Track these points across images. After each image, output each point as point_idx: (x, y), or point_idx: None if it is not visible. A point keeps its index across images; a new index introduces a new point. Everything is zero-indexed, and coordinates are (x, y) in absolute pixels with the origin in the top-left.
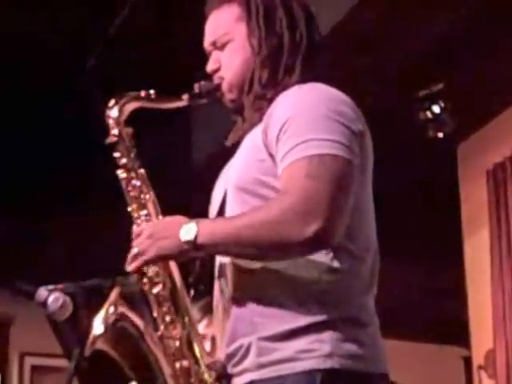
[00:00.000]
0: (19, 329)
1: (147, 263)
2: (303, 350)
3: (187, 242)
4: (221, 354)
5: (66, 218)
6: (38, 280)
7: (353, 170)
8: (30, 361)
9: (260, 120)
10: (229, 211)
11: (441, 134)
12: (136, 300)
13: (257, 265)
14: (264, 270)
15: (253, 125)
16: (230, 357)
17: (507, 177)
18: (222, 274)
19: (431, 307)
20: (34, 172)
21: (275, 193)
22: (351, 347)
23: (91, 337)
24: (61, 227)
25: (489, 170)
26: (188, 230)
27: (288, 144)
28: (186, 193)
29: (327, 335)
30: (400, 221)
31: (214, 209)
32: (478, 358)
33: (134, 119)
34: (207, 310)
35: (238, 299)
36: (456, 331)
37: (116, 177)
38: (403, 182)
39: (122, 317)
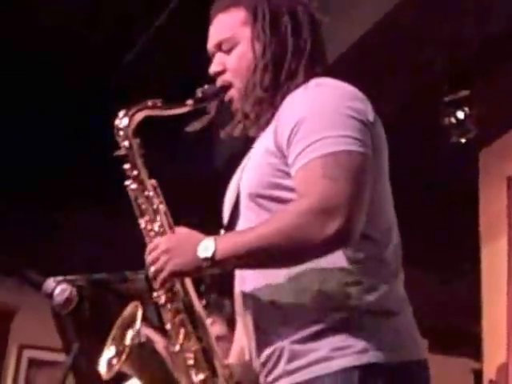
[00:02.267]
0: (22, 320)
1: (166, 281)
2: (337, 348)
3: (205, 259)
4: (253, 365)
5: (79, 207)
6: (48, 270)
7: (368, 163)
8: (27, 353)
9: (268, 123)
10: (244, 218)
11: (463, 140)
12: (145, 302)
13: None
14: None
15: (260, 128)
16: (263, 364)
17: None
18: (243, 280)
19: (442, 316)
20: (49, 160)
21: (290, 193)
22: (385, 338)
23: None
24: (73, 217)
25: (510, 176)
26: (206, 247)
27: (300, 144)
28: (209, 192)
29: (360, 330)
30: (417, 227)
31: (226, 211)
32: (489, 372)
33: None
34: (210, 310)
35: (264, 304)
36: (466, 342)
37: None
38: (422, 188)
39: (143, 339)
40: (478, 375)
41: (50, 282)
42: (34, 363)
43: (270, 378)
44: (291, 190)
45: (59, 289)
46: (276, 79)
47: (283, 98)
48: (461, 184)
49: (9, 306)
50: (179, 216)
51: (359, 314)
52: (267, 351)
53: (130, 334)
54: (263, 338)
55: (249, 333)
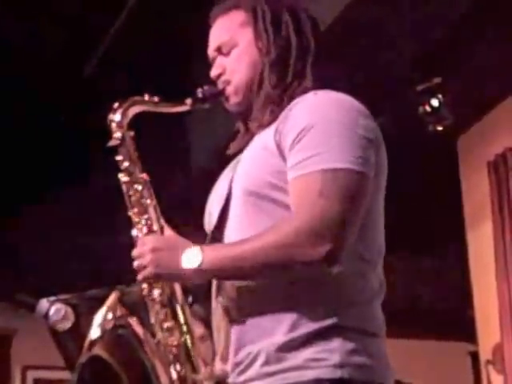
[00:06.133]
0: (21, 342)
1: (148, 279)
2: (312, 359)
3: (190, 269)
4: (227, 363)
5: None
6: (38, 292)
7: (367, 183)
8: (32, 374)
9: (271, 123)
10: (237, 214)
11: (440, 128)
12: (136, 307)
13: None
14: None
15: (262, 126)
16: (236, 365)
17: (509, 167)
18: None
19: (435, 303)
20: (33, 184)
21: (286, 195)
22: (360, 358)
23: (87, 341)
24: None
25: (490, 161)
26: (193, 256)
27: (302, 153)
28: (186, 197)
29: (337, 344)
30: (402, 216)
31: (216, 205)
32: (485, 353)
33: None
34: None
35: (243, 304)
36: (462, 326)
37: (113, 189)
38: (404, 177)
39: (120, 322)
40: (475, 357)
41: (44, 303)
42: (39, 383)
43: (241, 379)
44: (289, 193)
45: (54, 308)
46: (283, 78)
47: (290, 99)
48: (442, 172)
49: (6, 329)
50: None
51: (338, 328)
52: (243, 352)
53: (108, 319)
54: (240, 336)
55: (222, 333)
